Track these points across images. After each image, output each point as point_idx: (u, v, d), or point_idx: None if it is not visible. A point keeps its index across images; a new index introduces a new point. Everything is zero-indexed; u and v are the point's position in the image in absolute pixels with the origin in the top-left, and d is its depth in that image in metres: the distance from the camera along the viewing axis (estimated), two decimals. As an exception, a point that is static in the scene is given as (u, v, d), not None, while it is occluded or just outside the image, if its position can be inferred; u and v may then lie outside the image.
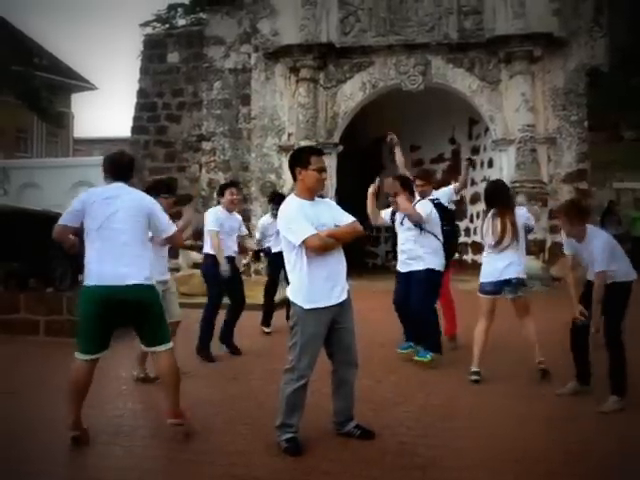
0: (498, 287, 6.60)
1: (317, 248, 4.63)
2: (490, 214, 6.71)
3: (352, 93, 16.87)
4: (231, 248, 8.07)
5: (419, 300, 7.22)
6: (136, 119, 19.01)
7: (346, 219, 4.84)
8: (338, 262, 4.83)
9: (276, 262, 9.48)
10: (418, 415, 5.54)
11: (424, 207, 7.33)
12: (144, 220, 4.93)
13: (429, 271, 7.25)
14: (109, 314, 4.80)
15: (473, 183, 18.38)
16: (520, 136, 15.72)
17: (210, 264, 7.92)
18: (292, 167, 4.90)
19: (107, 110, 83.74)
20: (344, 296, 4.82)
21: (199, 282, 14.19)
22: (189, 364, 7.43)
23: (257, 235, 9.99)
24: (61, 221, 4.91)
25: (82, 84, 38.49)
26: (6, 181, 25.95)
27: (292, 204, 4.83)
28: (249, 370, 7.37)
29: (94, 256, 4.81)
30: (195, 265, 17.00)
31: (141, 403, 6.05)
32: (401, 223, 7.48)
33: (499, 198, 6.77)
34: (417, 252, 7.31)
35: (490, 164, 17.42)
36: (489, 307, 6.68)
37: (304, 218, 4.67)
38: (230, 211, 8.09)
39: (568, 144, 16.01)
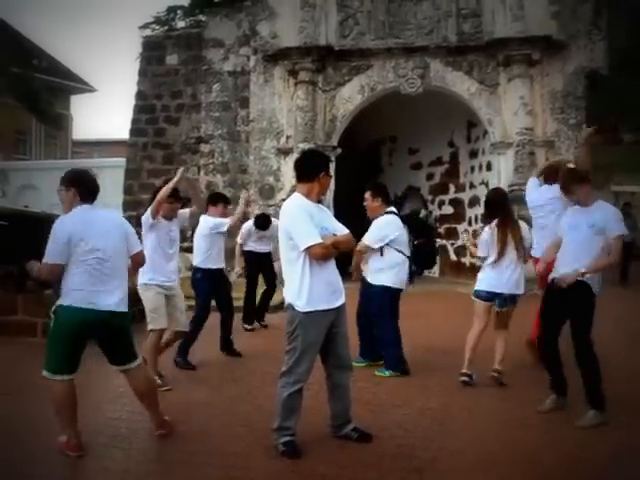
0: (492, 296, 6.62)
1: (320, 257, 4.66)
2: (493, 225, 6.60)
3: (351, 96, 16.87)
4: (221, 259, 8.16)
5: (375, 316, 7.13)
6: (135, 121, 18.99)
7: (341, 229, 4.90)
8: (335, 271, 4.87)
9: (256, 263, 10.07)
10: (416, 418, 5.55)
11: (378, 230, 7.13)
12: (124, 241, 4.87)
13: (384, 289, 7.08)
14: (80, 338, 4.74)
15: (472, 186, 18.37)
16: (518, 139, 15.72)
17: (201, 278, 7.89)
18: (317, 169, 4.86)
19: (106, 112, 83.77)
20: (342, 300, 4.84)
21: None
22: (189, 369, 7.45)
23: (239, 239, 10.21)
24: (50, 260, 4.65)
25: (81, 86, 38.50)
26: (5, 183, 25.96)
27: (300, 204, 4.81)
28: (247, 372, 7.37)
29: (77, 279, 4.65)
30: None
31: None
32: None
33: (500, 208, 6.67)
34: (377, 265, 7.14)
35: (488, 167, 17.40)
36: (483, 311, 6.68)
37: (310, 220, 4.67)
38: None
39: (567, 147, 15.99)
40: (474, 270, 6.95)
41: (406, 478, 4.32)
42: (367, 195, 7.28)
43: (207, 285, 7.90)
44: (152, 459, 4.80)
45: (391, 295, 7.14)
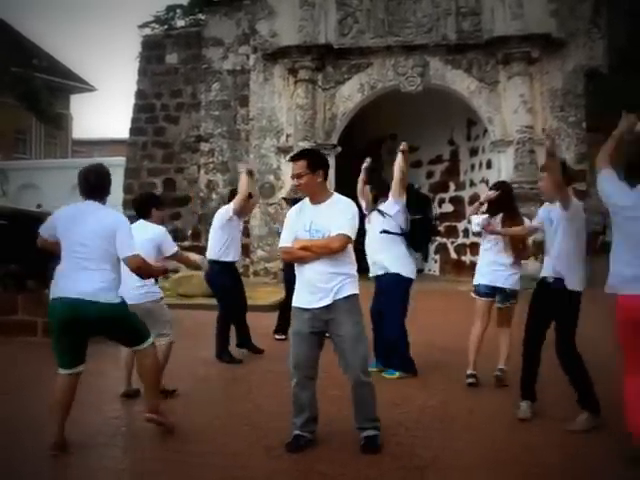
0: (491, 290, 6.53)
1: (286, 259, 4.78)
2: (497, 221, 6.48)
3: (350, 94, 16.87)
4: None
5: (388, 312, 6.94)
6: (134, 120, 18.99)
7: (336, 230, 4.66)
8: (316, 272, 4.70)
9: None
10: (417, 416, 5.54)
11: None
12: (109, 239, 4.76)
13: (394, 276, 6.90)
14: (72, 330, 4.74)
15: (472, 184, 18.39)
16: (518, 137, 15.73)
17: (217, 271, 7.69)
18: (324, 167, 4.87)
19: (106, 111, 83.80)
20: (324, 302, 4.70)
21: (198, 283, 14.18)
22: (190, 369, 7.44)
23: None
24: (40, 232, 5.02)
25: (81, 85, 38.51)
26: (5, 182, 25.97)
27: (295, 207, 4.98)
28: (247, 372, 7.37)
29: (59, 271, 4.84)
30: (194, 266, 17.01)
31: (139, 405, 6.03)
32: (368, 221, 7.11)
33: (504, 204, 6.53)
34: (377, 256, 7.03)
35: (489, 165, 17.41)
36: (484, 309, 6.61)
37: (290, 224, 4.84)
38: (240, 215, 8.01)
39: (566, 145, 16.01)
40: (474, 269, 6.86)
41: (407, 477, 4.32)
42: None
43: (225, 278, 7.82)
44: (152, 458, 4.79)
45: (403, 284, 6.98)
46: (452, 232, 18.92)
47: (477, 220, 6.64)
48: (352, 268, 4.82)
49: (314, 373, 4.88)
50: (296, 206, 4.97)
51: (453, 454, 4.72)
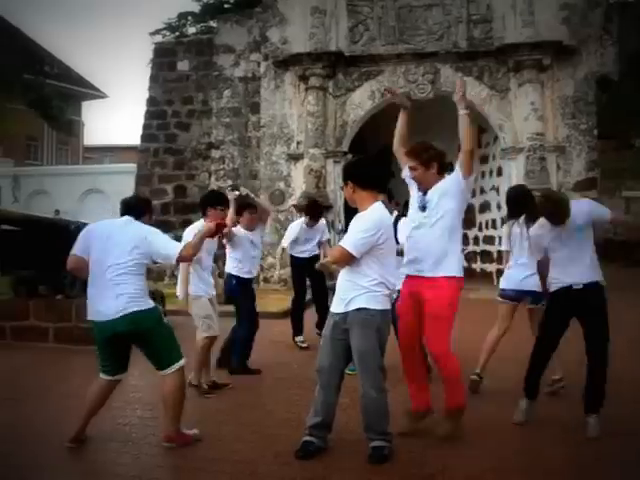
0: (519, 294, 6.42)
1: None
2: (521, 222, 6.34)
3: (361, 102, 16.89)
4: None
5: None
6: (146, 127, 19.07)
7: (343, 242, 4.77)
8: (340, 279, 4.89)
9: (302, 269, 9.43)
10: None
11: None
12: (138, 253, 4.90)
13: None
14: (111, 344, 4.96)
15: (482, 192, 18.35)
16: (529, 144, 15.69)
17: (235, 284, 7.69)
18: (354, 180, 4.89)
19: (117, 118, 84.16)
20: (340, 309, 4.77)
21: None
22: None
23: (284, 242, 9.59)
24: (74, 251, 5.05)
25: (93, 92, 38.76)
26: (17, 188, 26.12)
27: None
28: (257, 379, 7.35)
29: (90, 293, 4.98)
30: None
31: (150, 411, 6.04)
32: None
33: (524, 206, 6.36)
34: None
35: (499, 172, 17.38)
36: (507, 313, 6.53)
37: None
38: (250, 230, 7.74)
39: (577, 152, 15.97)
40: (485, 276, 6.83)
41: (417, 485, 4.31)
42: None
43: (244, 290, 7.73)
44: (162, 465, 4.80)
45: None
46: (462, 240, 18.81)
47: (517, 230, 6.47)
48: (371, 282, 4.70)
49: (335, 381, 4.84)
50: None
51: (463, 462, 4.70)
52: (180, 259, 5.04)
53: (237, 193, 7.48)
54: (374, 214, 4.76)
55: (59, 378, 7.24)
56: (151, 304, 5.01)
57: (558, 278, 5.39)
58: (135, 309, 4.83)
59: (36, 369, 7.78)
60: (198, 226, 6.39)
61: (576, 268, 5.30)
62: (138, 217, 5.13)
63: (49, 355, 8.57)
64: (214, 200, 6.91)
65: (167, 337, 5.05)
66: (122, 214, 5.18)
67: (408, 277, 5.33)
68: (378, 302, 4.71)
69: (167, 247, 4.97)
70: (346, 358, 4.85)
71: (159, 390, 5.21)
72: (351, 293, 4.73)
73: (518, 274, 6.43)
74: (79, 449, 4.91)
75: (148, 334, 4.92)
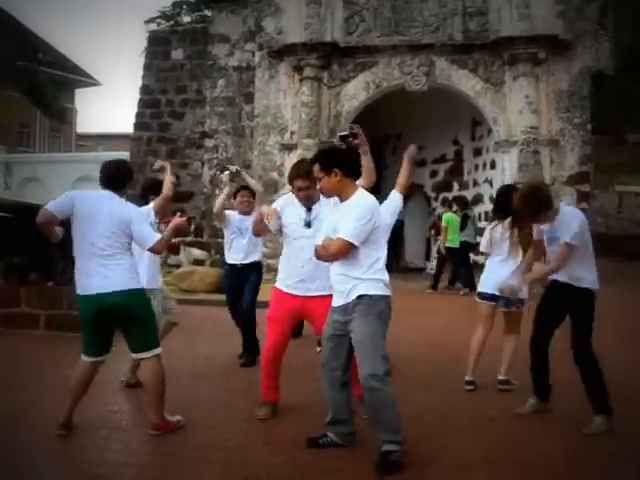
0: (496, 296, 6.29)
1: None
2: (506, 224, 6.25)
3: (355, 93, 16.85)
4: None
5: None
6: (139, 115, 18.99)
7: (339, 233, 4.51)
8: (333, 273, 4.69)
9: None
10: (418, 415, 5.52)
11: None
12: (124, 230, 4.87)
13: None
14: (97, 321, 4.90)
15: (475, 184, 18.38)
16: (523, 138, 15.69)
17: (225, 268, 7.72)
18: (338, 164, 4.64)
19: (110, 106, 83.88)
20: (340, 302, 4.63)
21: (199, 278, 14.24)
22: (191, 364, 7.45)
23: None
24: (48, 206, 4.81)
25: (86, 80, 38.61)
26: (9, 175, 26.02)
27: (330, 203, 4.93)
28: (248, 367, 7.34)
29: (78, 267, 4.94)
30: (196, 262, 17.02)
31: (141, 398, 6.04)
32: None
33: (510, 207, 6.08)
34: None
35: (493, 165, 17.40)
36: (487, 314, 6.47)
37: (325, 224, 4.81)
38: (245, 214, 7.52)
39: (571, 146, 15.98)
40: (476, 268, 6.82)
41: (408, 475, 4.31)
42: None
43: (230, 280, 7.68)
44: (153, 452, 4.79)
45: None
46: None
47: (496, 235, 6.40)
48: (365, 272, 4.53)
49: (339, 377, 4.72)
50: (331, 203, 4.83)
51: (455, 453, 4.71)
52: (151, 250, 5.07)
53: (227, 173, 7.39)
54: (366, 200, 4.59)
55: (50, 365, 7.21)
56: (140, 284, 5.03)
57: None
58: (127, 287, 4.83)
59: (27, 356, 7.76)
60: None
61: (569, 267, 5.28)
62: (119, 189, 5.02)
63: (40, 342, 8.55)
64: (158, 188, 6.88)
65: (151, 320, 5.09)
66: (102, 182, 5.04)
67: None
68: (379, 288, 4.54)
69: (145, 237, 4.96)
70: (349, 353, 4.68)
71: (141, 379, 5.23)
72: (347, 285, 4.56)
73: (495, 277, 6.27)
74: (69, 436, 4.91)
75: (135, 313, 4.90)
